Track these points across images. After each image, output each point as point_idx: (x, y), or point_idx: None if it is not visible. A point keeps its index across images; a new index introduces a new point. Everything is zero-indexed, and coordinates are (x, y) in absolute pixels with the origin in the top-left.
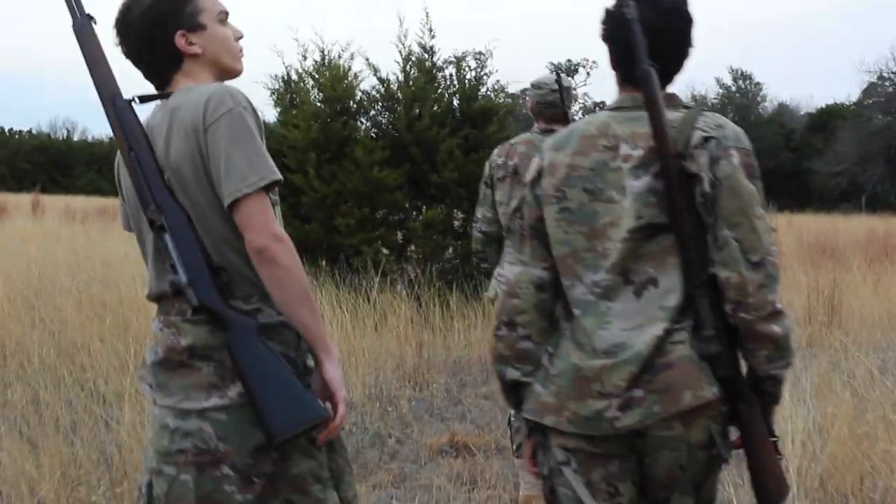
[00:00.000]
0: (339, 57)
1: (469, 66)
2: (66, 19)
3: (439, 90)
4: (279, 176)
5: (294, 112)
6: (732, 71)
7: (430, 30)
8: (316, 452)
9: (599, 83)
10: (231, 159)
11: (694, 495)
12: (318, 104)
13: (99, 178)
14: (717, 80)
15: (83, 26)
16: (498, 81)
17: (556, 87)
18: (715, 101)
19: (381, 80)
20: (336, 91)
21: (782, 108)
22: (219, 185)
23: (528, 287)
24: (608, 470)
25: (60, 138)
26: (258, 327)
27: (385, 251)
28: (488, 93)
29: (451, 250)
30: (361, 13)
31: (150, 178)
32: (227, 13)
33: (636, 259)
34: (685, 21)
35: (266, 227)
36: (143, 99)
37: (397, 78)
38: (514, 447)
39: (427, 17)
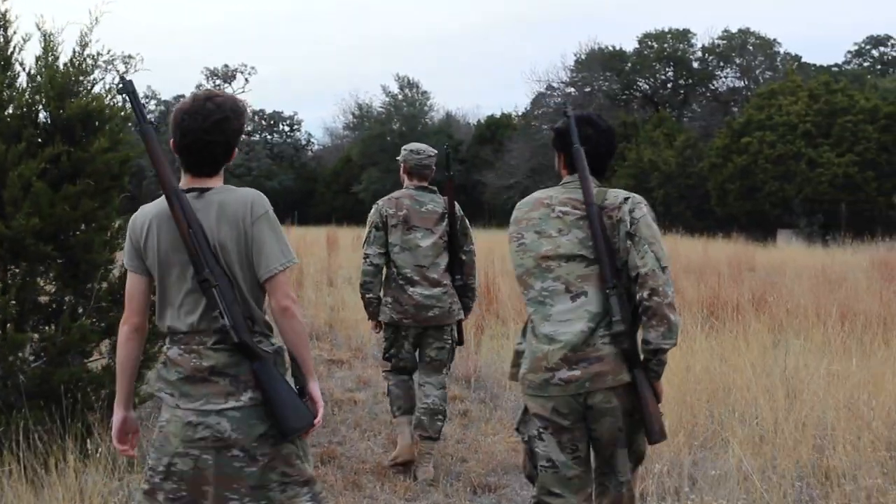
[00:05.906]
0: None
1: (56, 46)
2: None
3: (14, 83)
4: (297, 260)
5: None
6: (399, 78)
7: None
8: (297, 440)
9: (258, 90)
10: (270, 246)
11: (627, 450)
12: None
13: None
14: (384, 88)
15: (149, 132)
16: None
17: (431, 153)
18: (381, 109)
19: None
20: None
21: (449, 119)
22: (258, 263)
23: None
24: (573, 435)
25: None
26: (272, 358)
27: None
28: (91, 85)
29: (30, 346)
30: None
31: (204, 249)
32: None
33: (575, 277)
34: (613, 135)
35: (289, 293)
36: (186, 191)
37: None
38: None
39: None
